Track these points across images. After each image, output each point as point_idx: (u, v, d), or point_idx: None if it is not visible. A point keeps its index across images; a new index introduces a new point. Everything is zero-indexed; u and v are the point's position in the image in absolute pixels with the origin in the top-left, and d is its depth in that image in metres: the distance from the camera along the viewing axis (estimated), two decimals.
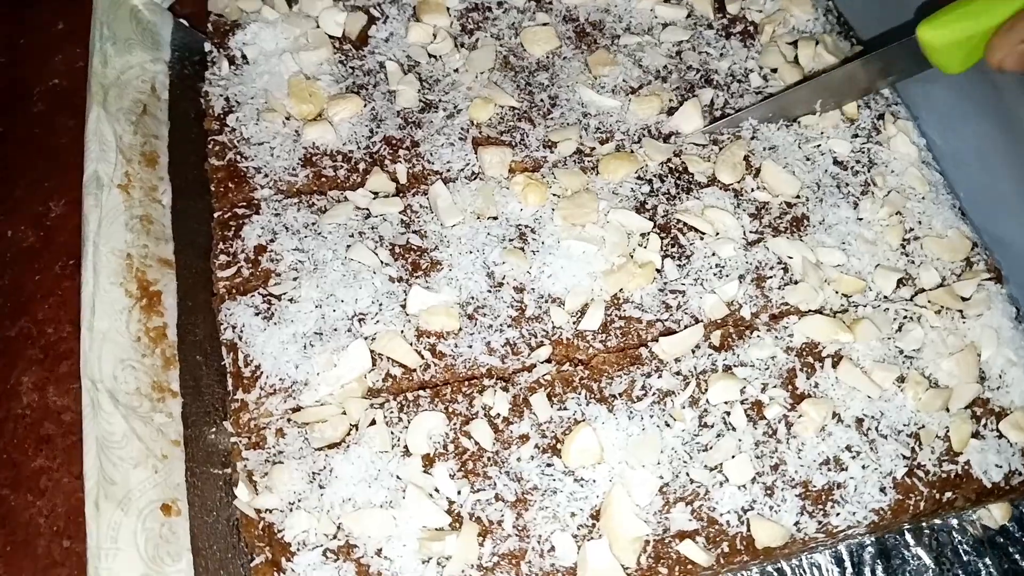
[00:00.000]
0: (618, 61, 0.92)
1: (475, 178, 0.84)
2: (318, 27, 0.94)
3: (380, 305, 0.75)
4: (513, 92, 0.89)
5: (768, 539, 0.69)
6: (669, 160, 0.85)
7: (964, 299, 0.80)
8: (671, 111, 0.89)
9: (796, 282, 0.80)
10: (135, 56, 0.92)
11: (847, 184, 0.86)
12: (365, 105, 0.88)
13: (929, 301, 0.80)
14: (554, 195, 0.83)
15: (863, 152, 0.88)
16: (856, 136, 0.89)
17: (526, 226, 0.81)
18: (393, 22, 0.95)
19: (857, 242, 0.82)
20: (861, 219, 0.84)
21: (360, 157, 0.85)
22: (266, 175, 0.83)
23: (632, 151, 0.86)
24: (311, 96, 0.88)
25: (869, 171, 0.87)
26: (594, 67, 0.91)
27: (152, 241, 0.83)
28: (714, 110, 0.90)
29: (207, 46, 0.93)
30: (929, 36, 0.75)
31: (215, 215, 0.81)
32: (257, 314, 0.75)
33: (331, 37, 0.93)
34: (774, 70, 0.93)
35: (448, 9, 0.95)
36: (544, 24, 0.94)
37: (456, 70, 0.91)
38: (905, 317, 0.79)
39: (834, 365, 0.76)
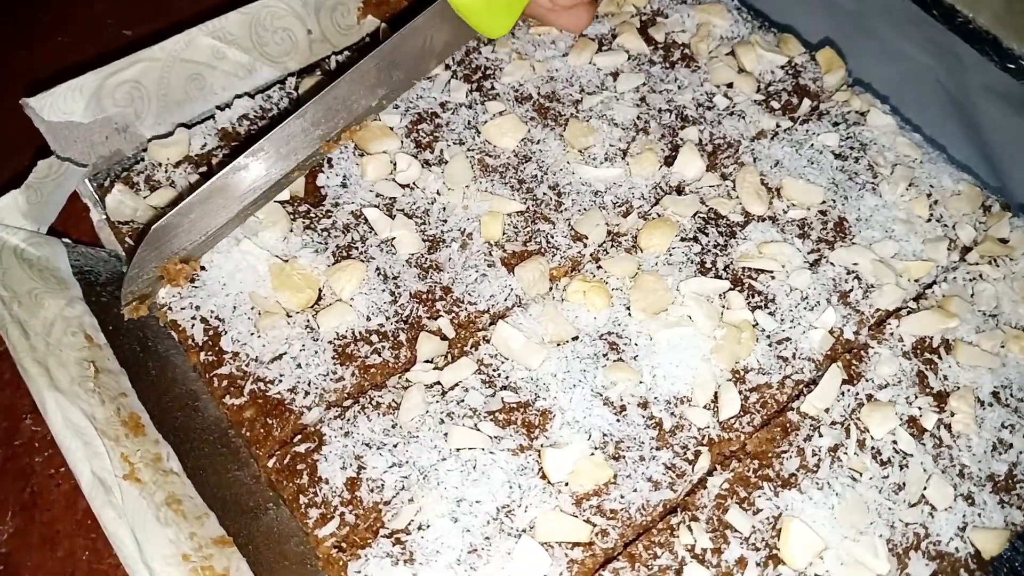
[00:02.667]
0: (594, 127, 0.87)
1: (524, 305, 0.76)
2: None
3: (519, 488, 0.66)
4: (512, 195, 0.82)
5: (993, 547, 0.69)
6: (698, 212, 0.83)
7: (1004, 241, 0.85)
8: (668, 160, 0.86)
9: (873, 286, 0.80)
10: (47, 309, 0.74)
11: (856, 173, 0.88)
12: (367, 267, 0.77)
13: (980, 256, 0.84)
14: (615, 289, 0.77)
15: (851, 138, 0.91)
16: (836, 124, 0.91)
17: (610, 333, 0.75)
18: (340, 163, 0.84)
19: (897, 225, 0.85)
20: (887, 202, 0.86)
21: (395, 328, 0.74)
22: (306, 392, 0.70)
23: (660, 215, 0.82)
24: (302, 280, 0.75)
25: (865, 153, 0.89)
26: (574, 140, 0.86)
27: (194, 523, 0.67)
28: (704, 146, 0.88)
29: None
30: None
31: (269, 463, 0.68)
32: (395, 562, 0.63)
33: (279, 203, 0.81)
34: (730, 85, 0.94)
35: (392, 129, 0.86)
36: (501, 112, 0.88)
37: (438, 192, 0.82)
38: (970, 279, 0.82)
39: (948, 351, 0.77)
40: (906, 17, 1.02)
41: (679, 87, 0.93)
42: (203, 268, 0.76)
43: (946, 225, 0.86)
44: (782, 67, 0.96)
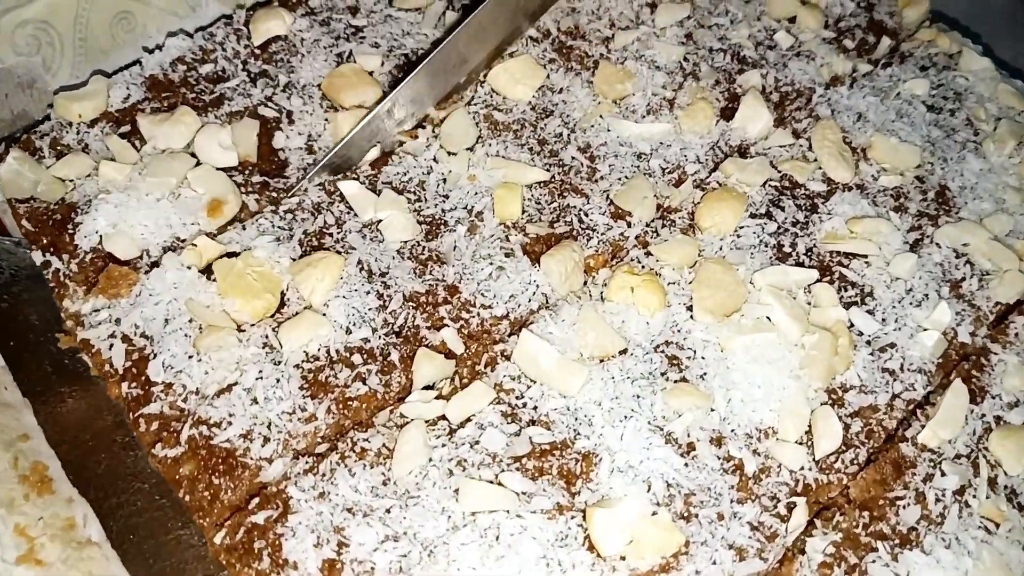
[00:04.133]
0: (630, 71, 0.66)
1: (556, 304, 0.56)
2: (199, 163, 0.59)
3: (559, 566, 0.47)
4: (531, 160, 0.61)
5: None
6: (769, 179, 0.62)
7: None
8: (726, 113, 0.65)
9: (989, 273, 0.61)
10: None
11: (954, 130, 0.68)
12: (345, 260, 0.56)
13: None
14: (671, 283, 0.57)
15: (943, 85, 0.70)
16: (924, 69, 0.71)
17: (668, 344, 0.55)
18: (304, 117, 0.62)
19: (1009, 194, 0.65)
20: (994, 165, 0.67)
21: (384, 343, 0.53)
22: (266, 438, 0.50)
23: (721, 184, 0.62)
24: (258, 280, 0.54)
25: (962, 105, 0.69)
26: (607, 88, 0.65)
27: None
28: (769, 94, 0.67)
29: (37, 257, 0.56)
30: None
31: (216, 538, 0.47)
32: None
33: (226, 171, 0.59)
34: (792, 19, 0.73)
35: (371, 75, 0.64)
36: (511, 53, 0.66)
37: (435, 159, 0.61)
38: None
39: None
40: None
41: (732, 21, 0.71)
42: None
43: None
44: None
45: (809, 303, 0.57)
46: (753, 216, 0.60)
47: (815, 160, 0.64)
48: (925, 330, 0.58)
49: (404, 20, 0.67)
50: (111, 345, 0.52)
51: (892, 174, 0.64)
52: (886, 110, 0.68)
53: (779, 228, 0.60)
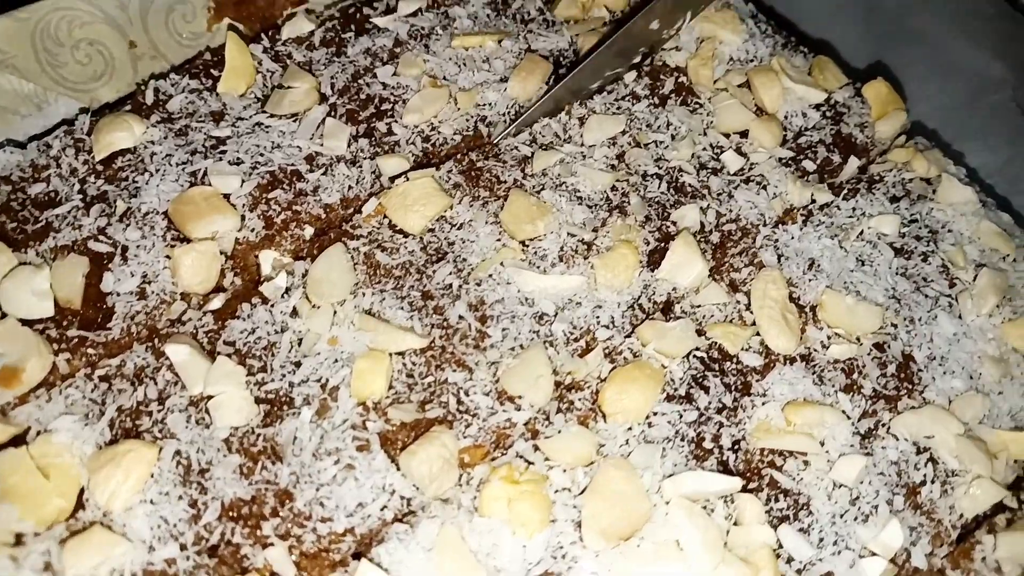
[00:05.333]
0: (547, 204, 0.54)
1: (417, 514, 0.45)
2: (4, 316, 0.48)
3: None
4: (409, 320, 0.50)
5: None
6: (695, 350, 0.51)
7: None
8: (653, 258, 0.54)
9: (956, 474, 0.49)
10: None
11: (926, 280, 0.56)
12: (160, 452, 0.45)
13: None
14: (561, 490, 0.45)
15: (916, 221, 0.59)
16: (896, 200, 0.59)
17: (546, 574, 0.43)
18: (140, 254, 0.51)
19: (986, 367, 0.53)
20: (970, 327, 0.55)
21: (193, 565, 0.42)
22: None
23: (635, 355, 0.50)
24: (51, 476, 0.43)
25: (937, 247, 0.57)
26: (515, 227, 0.53)
27: None
28: (707, 234, 0.55)
29: None
30: None
31: None
32: None
33: (37, 326, 0.48)
34: (744, 134, 0.61)
35: (228, 198, 0.53)
36: (405, 173, 0.55)
37: (295, 311, 0.50)
38: None
39: None
40: (967, 7, 0.72)
41: (673, 136, 0.59)
42: None
43: None
44: (818, 107, 0.63)
45: (730, 518, 0.46)
46: (670, 399, 0.49)
47: (752, 323, 0.52)
48: (872, 555, 0.46)
49: (276, 129, 0.56)
50: None
51: (845, 342, 0.53)
52: (844, 256, 0.56)
53: (700, 416, 0.49)
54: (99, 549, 0.42)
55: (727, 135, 0.61)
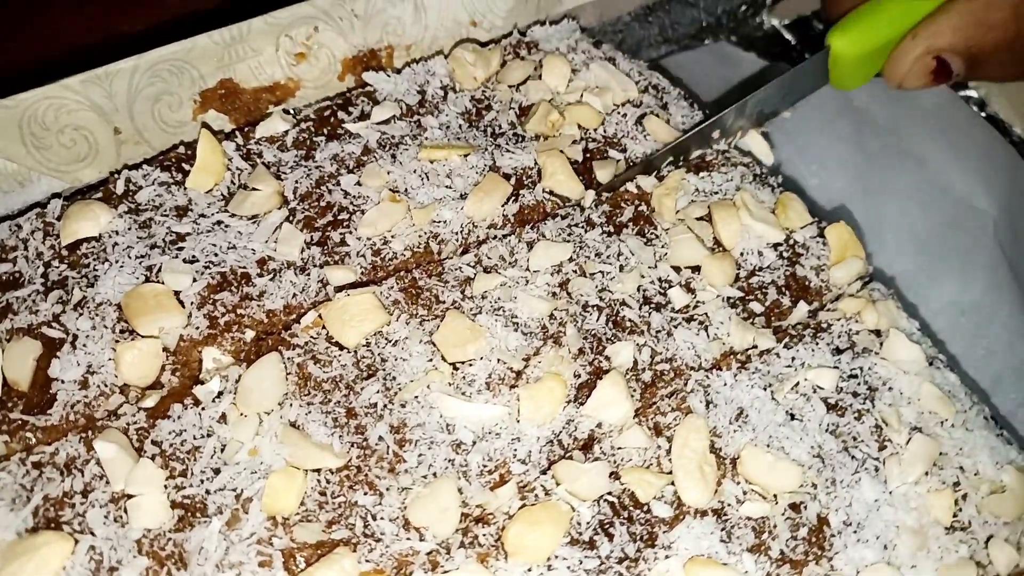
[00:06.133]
0: (481, 328, 0.58)
1: None
2: None
3: None
4: (329, 437, 0.53)
5: None
6: (606, 495, 0.53)
7: None
8: (581, 394, 0.57)
9: None
10: None
11: (856, 440, 0.58)
12: (76, 545, 0.49)
13: None
14: None
15: (856, 377, 0.60)
16: (838, 352, 0.61)
17: None
18: (88, 344, 0.56)
19: (903, 537, 0.55)
20: (892, 493, 0.56)
21: None
22: None
23: (547, 492, 0.53)
24: None
25: (873, 406, 0.59)
26: (447, 348, 0.57)
27: None
28: (640, 372, 0.58)
29: None
30: (841, 45, 0.69)
31: None
32: None
33: None
34: (695, 269, 0.63)
35: (178, 296, 0.57)
36: (349, 286, 0.58)
37: (223, 418, 0.53)
38: None
39: None
40: (961, 132, 0.76)
41: (621, 267, 0.62)
42: None
43: (975, 539, 0.56)
44: (775, 246, 0.66)
45: None
46: (573, 543, 0.52)
47: (669, 472, 0.55)
48: None
49: (234, 229, 0.60)
50: None
51: (760, 499, 0.55)
52: (775, 408, 0.58)
53: (601, 565, 0.51)
54: None
55: (678, 269, 0.63)
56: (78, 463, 0.52)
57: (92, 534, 0.49)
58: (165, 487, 0.51)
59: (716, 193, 0.68)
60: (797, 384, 0.59)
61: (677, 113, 0.73)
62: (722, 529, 0.53)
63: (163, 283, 0.57)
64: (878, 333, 0.63)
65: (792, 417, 0.58)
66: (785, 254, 0.66)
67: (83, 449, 0.52)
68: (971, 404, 0.61)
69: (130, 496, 0.51)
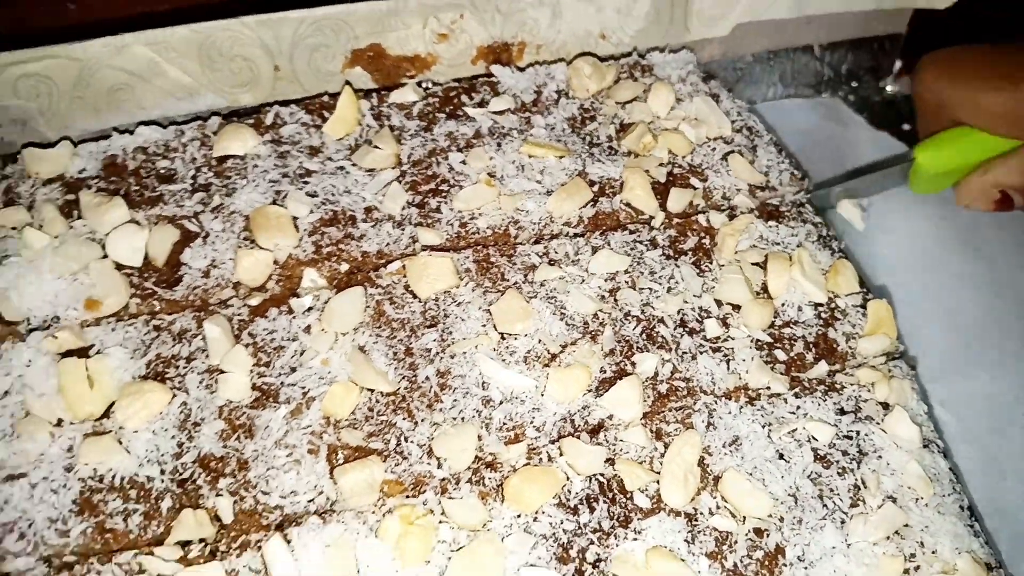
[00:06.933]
0: (534, 310, 0.70)
1: (331, 514, 0.62)
2: (106, 256, 0.69)
3: None
4: (387, 366, 0.67)
5: None
6: (600, 473, 0.65)
7: None
8: (602, 388, 0.68)
9: None
10: None
11: (833, 492, 0.67)
12: (173, 399, 0.64)
13: None
14: (443, 541, 0.61)
15: (850, 438, 0.69)
16: (842, 413, 0.70)
17: None
18: (217, 243, 0.70)
19: None
20: (851, 546, 0.66)
21: (163, 488, 0.61)
22: (22, 534, 0.59)
23: (550, 459, 0.65)
24: (94, 387, 0.63)
25: (859, 467, 0.68)
26: (500, 320, 0.69)
27: None
28: (657, 384, 0.69)
29: None
30: (925, 160, 0.83)
31: None
32: None
33: (125, 271, 0.68)
34: (736, 307, 0.73)
35: (295, 222, 0.71)
36: (433, 247, 0.71)
37: (307, 328, 0.67)
38: None
39: None
40: None
41: (669, 289, 0.73)
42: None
43: None
44: (816, 305, 0.74)
45: None
46: (560, 506, 0.63)
47: (658, 472, 0.65)
48: None
49: (352, 177, 0.73)
50: None
51: (729, 517, 0.65)
52: (767, 445, 0.68)
53: (578, 529, 0.63)
54: (106, 451, 0.61)
55: (720, 303, 0.73)
56: (188, 335, 0.67)
57: (187, 392, 0.64)
58: (250, 371, 0.65)
59: (778, 244, 0.77)
60: (795, 430, 0.69)
61: (764, 157, 0.82)
62: (689, 531, 0.64)
63: (286, 208, 0.71)
64: (885, 406, 0.72)
65: (780, 456, 0.68)
66: (823, 315, 0.74)
67: (194, 325, 0.67)
68: (951, 491, 0.70)
69: (222, 371, 0.65)
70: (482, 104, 0.79)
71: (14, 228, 0.69)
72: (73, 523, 0.60)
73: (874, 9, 0.94)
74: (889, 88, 1.02)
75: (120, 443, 0.62)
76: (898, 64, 1.01)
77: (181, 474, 0.62)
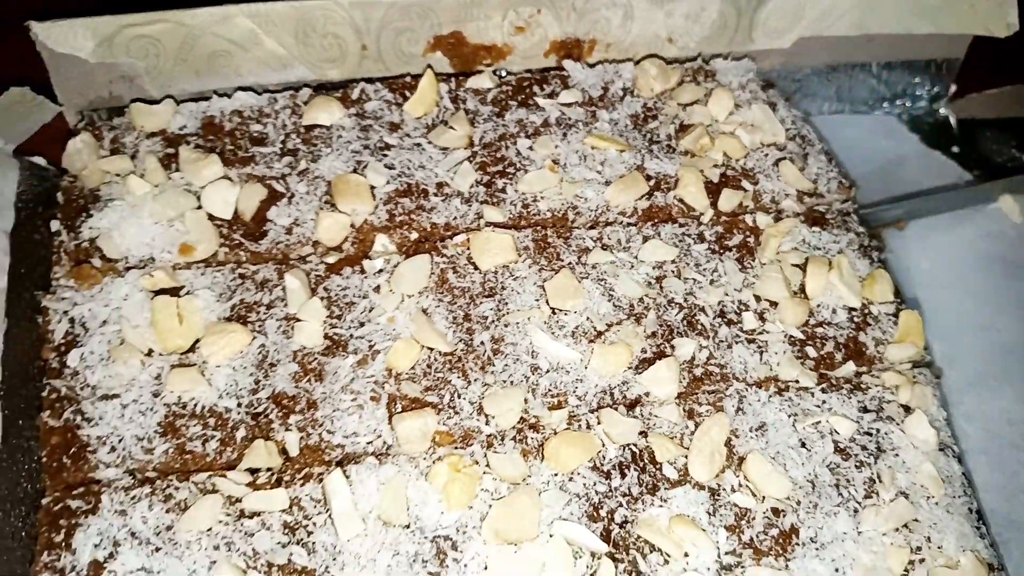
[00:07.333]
0: (584, 289, 0.76)
1: (386, 456, 0.69)
2: (200, 207, 0.76)
3: None
4: (447, 329, 0.73)
5: None
6: (633, 443, 0.71)
7: None
8: (641, 366, 0.74)
9: None
10: None
11: (849, 482, 0.73)
12: (253, 340, 0.71)
13: None
14: (485, 490, 0.68)
15: (870, 435, 0.75)
16: (865, 411, 0.76)
17: (446, 539, 0.66)
18: (300, 203, 0.78)
19: (853, 570, 0.70)
20: (861, 533, 0.71)
21: (239, 419, 0.69)
22: (113, 448, 0.67)
23: (588, 426, 0.71)
24: (183, 323, 0.71)
25: (876, 462, 0.74)
26: (552, 297, 0.75)
27: None
28: (693, 367, 0.75)
29: (55, 224, 0.75)
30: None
31: (43, 501, 0.65)
32: None
33: (217, 222, 0.76)
34: (774, 304, 0.79)
35: (372, 190, 0.78)
36: (496, 225, 0.78)
37: (377, 288, 0.75)
38: None
39: None
40: None
41: (712, 281, 0.79)
42: (101, 256, 0.73)
43: None
44: (850, 310, 0.80)
45: (589, 567, 0.67)
46: (594, 469, 0.70)
47: (687, 448, 0.72)
48: None
49: (427, 154, 0.80)
50: (59, 320, 0.71)
51: (750, 495, 0.71)
52: (791, 434, 0.74)
53: (609, 491, 0.69)
54: (190, 382, 0.69)
55: (759, 299, 0.79)
56: (269, 285, 0.74)
57: (265, 336, 0.72)
58: (324, 322, 0.73)
59: (819, 249, 0.83)
60: (818, 422, 0.75)
61: (814, 165, 0.88)
62: (711, 504, 0.70)
63: (365, 177, 0.78)
64: (907, 408, 0.77)
65: (803, 445, 0.74)
66: (856, 319, 0.80)
67: (275, 276, 0.75)
68: (962, 494, 0.75)
69: (299, 320, 0.73)
70: (552, 95, 0.86)
71: (118, 175, 0.77)
72: (157, 443, 0.67)
73: (933, 33, 0.99)
74: (942, 111, 1.06)
75: (203, 375, 0.70)
76: (953, 88, 1.05)
77: (256, 408, 0.69)
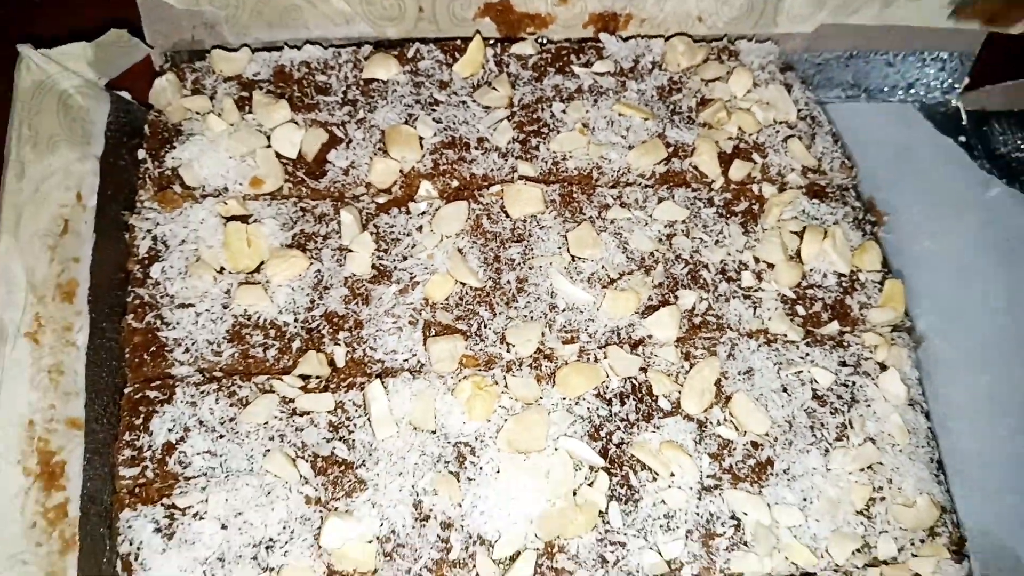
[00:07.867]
0: (601, 241, 0.87)
1: (419, 372, 0.81)
2: (269, 146, 0.88)
3: (292, 532, 0.74)
4: (478, 267, 0.85)
5: None
6: (634, 377, 0.82)
7: None
8: (647, 311, 0.85)
9: (746, 543, 0.79)
10: (58, 157, 0.85)
11: (822, 425, 0.84)
12: (310, 265, 0.83)
13: (882, 575, 0.80)
14: (502, 407, 0.80)
15: (847, 386, 0.85)
16: (844, 365, 0.86)
17: (466, 445, 0.78)
18: (357, 148, 0.89)
19: (819, 500, 0.81)
20: (830, 470, 0.82)
21: (295, 332, 0.81)
22: (187, 349, 0.79)
23: (596, 360, 0.83)
24: (251, 246, 0.83)
25: (849, 410, 0.84)
26: (573, 246, 0.86)
27: (60, 398, 0.79)
28: (692, 316, 0.86)
29: (141, 153, 0.87)
30: None
31: (125, 391, 0.78)
32: (157, 530, 0.73)
33: (283, 160, 0.87)
34: (771, 265, 0.89)
35: (421, 141, 0.89)
36: (527, 177, 0.88)
37: (419, 228, 0.86)
38: None
39: None
40: None
41: (716, 242, 0.89)
42: (183, 184, 0.85)
43: (874, 527, 0.81)
44: (839, 275, 0.90)
45: (587, 481, 0.78)
46: (598, 396, 0.81)
47: (681, 384, 0.83)
48: (654, 550, 0.77)
49: (471, 111, 0.91)
50: (144, 236, 0.83)
51: (733, 429, 0.82)
52: (775, 379, 0.84)
53: (609, 415, 0.81)
54: (255, 297, 0.81)
55: (757, 260, 0.89)
56: (326, 219, 0.86)
57: (321, 262, 0.84)
58: (372, 254, 0.84)
59: (816, 219, 0.92)
60: (801, 372, 0.85)
61: (820, 145, 0.97)
62: (698, 434, 0.81)
63: (415, 128, 0.89)
64: (883, 366, 0.87)
65: (784, 390, 0.84)
66: (844, 284, 0.90)
67: (332, 211, 0.86)
68: (925, 445, 0.85)
69: (350, 250, 0.84)
70: (587, 65, 0.95)
71: (198, 113, 0.89)
72: (225, 347, 0.80)
73: (951, 27, 1.06)
74: (954, 102, 1.14)
75: (266, 292, 0.82)
76: (966, 80, 1.13)
77: (310, 324, 0.81)
